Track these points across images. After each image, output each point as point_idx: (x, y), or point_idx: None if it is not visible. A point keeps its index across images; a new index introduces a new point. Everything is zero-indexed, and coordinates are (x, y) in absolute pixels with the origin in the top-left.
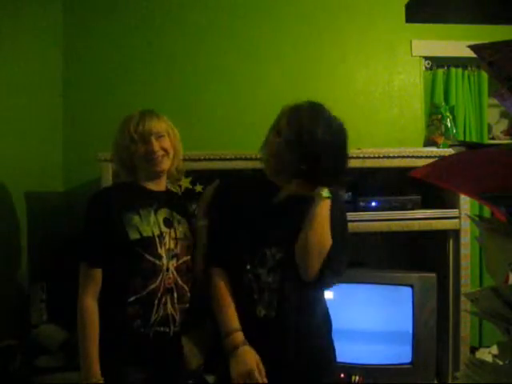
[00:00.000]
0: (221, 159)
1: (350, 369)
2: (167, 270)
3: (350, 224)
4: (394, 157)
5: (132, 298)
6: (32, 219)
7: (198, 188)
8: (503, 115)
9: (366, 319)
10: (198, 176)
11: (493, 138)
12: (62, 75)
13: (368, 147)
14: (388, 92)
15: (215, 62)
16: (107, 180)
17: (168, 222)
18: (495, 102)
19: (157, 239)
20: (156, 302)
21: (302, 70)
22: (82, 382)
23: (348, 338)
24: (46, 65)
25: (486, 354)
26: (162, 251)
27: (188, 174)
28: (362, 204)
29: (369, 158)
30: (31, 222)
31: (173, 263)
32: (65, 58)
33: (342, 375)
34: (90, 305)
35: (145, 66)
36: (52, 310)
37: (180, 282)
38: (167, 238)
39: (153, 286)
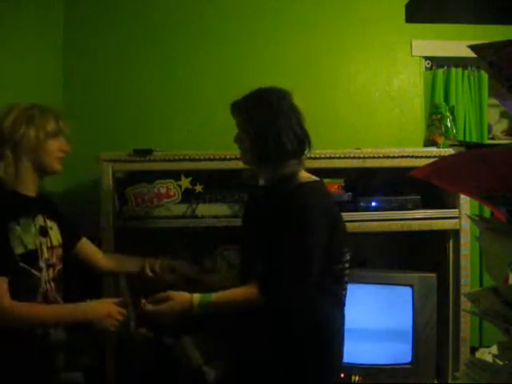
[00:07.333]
0: (221, 159)
1: (350, 369)
2: (48, 282)
3: (349, 224)
4: (394, 157)
5: None
6: None
7: (198, 188)
8: (503, 115)
9: (366, 319)
10: (197, 176)
11: (493, 138)
12: (62, 75)
13: (368, 147)
14: (388, 92)
15: (216, 62)
16: (107, 180)
17: (43, 231)
18: (495, 101)
19: (39, 251)
20: None
21: (303, 71)
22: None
23: (348, 338)
24: (46, 64)
25: (486, 354)
26: (41, 263)
27: (188, 174)
28: (362, 204)
29: (369, 158)
30: None
31: (49, 274)
32: (65, 58)
33: (342, 375)
34: (11, 302)
35: (145, 66)
36: None
37: (55, 292)
38: (44, 248)
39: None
